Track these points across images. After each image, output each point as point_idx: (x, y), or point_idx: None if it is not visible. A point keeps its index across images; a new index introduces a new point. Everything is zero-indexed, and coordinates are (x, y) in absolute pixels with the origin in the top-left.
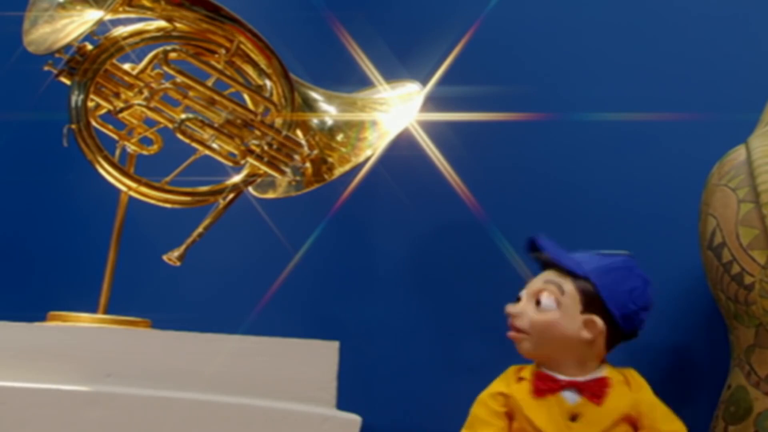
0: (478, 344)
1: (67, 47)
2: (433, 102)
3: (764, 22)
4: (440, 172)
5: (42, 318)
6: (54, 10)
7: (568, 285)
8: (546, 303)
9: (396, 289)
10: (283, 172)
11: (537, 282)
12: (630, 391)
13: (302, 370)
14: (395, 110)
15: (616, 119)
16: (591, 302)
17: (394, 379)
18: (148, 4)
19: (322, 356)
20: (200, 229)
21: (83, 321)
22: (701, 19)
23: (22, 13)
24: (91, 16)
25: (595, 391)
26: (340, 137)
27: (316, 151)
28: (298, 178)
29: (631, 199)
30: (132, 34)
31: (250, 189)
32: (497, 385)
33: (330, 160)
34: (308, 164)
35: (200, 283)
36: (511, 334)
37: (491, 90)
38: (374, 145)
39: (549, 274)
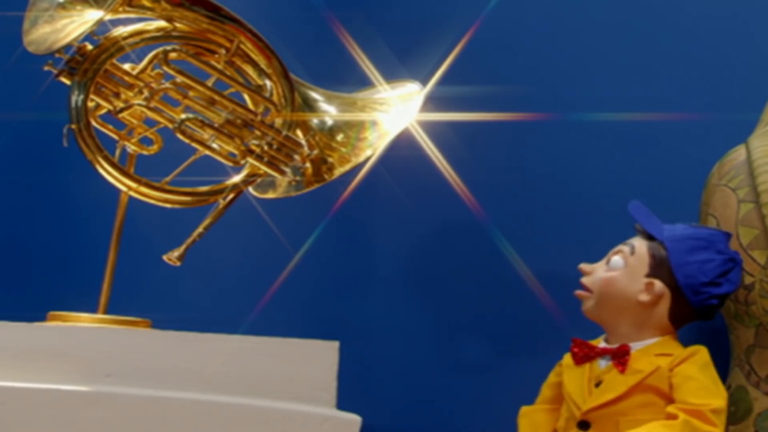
0: (478, 344)
1: (67, 47)
2: (433, 102)
3: (764, 22)
4: (440, 172)
5: (42, 318)
6: (54, 10)
7: (642, 246)
8: (615, 261)
9: (396, 289)
10: (283, 172)
11: (620, 244)
12: (666, 363)
13: (302, 370)
14: (395, 110)
15: (616, 119)
16: (658, 266)
17: (394, 379)
18: (148, 4)
19: (322, 356)
20: (200, 229)
21: (83, 321)
22: (701, 19)
23: (22, 13)
24: (91, 16)
25: (618, 357)
26: (340, 137)
27: (316, 151)
28: (298, 178)
29: (631, 199)
30: (132, 34)
31: (250, 189)
32: (564, 358)
33: (330, 160)
34: (308, 164)
35: (200, 283)
36: (578, 292)
37: (491, 90)
38: (374, 145)
39: (634, 238)
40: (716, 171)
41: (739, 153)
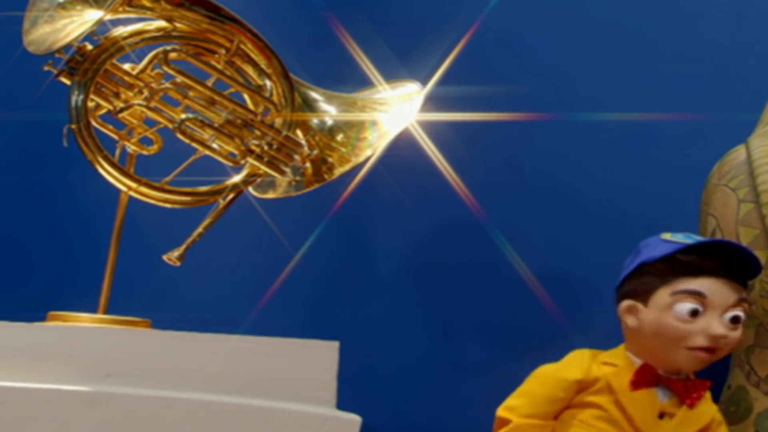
0: (478, 344)
1: (67, 47)
2: (433, 102)
3: (764, 22)
4: (440, 172)
5: (42, 318)
6: (54, 10)
7: (746, 293)
8: (743, 318)
9: (396, 289)
10: (283, 172)
11: (726, 296)
12: (718, 415)
13: (302, 370)
14: (395, 110)
15: (616, 119)
16: None
17: (394, 379)
18: (148, 4)
19: (322, 356)
20: (200, 229)
21: (83, 321)
22: (701, 19)
23: (22, 13)
24: (91, 16)
25: (691, 392)
26: (340, 137)
27: (316, 151)
28: (298, 178)
29: (631, 199)
30: (132, 34)
31: (250, 189)
32: (571, 371)
33: (330, 160)
34: (308, 164)
35: (200, 283)
36: (708, 357)
37: (491, 90)
38: (374, 145)
39: (732, 285)
40: (716, 171)
41: (739, 153)
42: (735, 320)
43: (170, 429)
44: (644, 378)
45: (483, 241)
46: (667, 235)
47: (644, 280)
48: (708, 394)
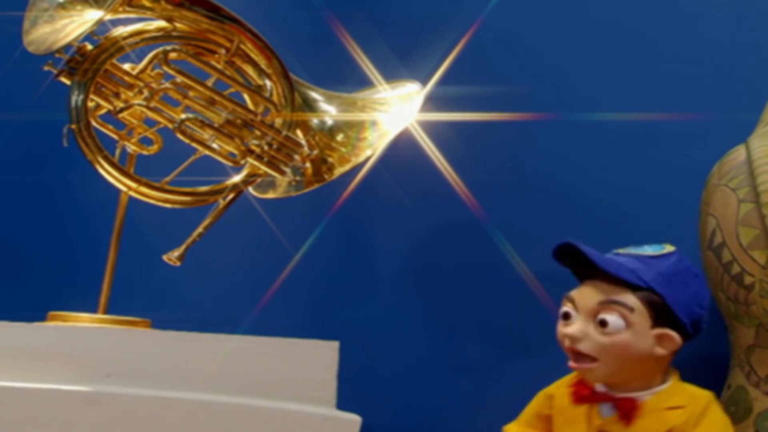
0: (478, 344)
1: (67, 47)
2: (433, 102)
3: (764, 22)
4: (440, 172)
5: (42, 318)
6: (54, 10)
7: (632, 299)
8: (614, 323)
9: (396, 289)
10: (283, 172)
11: (590, 297)
12: (680, 419)
13: (302, 370)
14: (395, 110)
15: (616, 119)
16: (661, 315)
17: (394, 379)
18: (148, 4)
19: (322, 356)
20: (200, 229)
21: (83, 321)
22: (701, 19)
23: (22, 13)
24: (91, 16)
25: (625, 410)
26: (340, 137)
27: (316, 151)
28: (298, 178)
29: (631, 199)
30: (132, 34)
31: (250, 189)
32: (553, 387)
33: (330, 160)
34: (308, 164)
35: (200, 283)
36: (576, 365)
37: (491, 90)
38: (374, 145)
39: (601, 288)
40: (716, 171)
41: (739, 153)
42: (602, 324)
43: (170, 429)
44: (582, 392)
45: (483, 241)
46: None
47: None
48: (675, 411)
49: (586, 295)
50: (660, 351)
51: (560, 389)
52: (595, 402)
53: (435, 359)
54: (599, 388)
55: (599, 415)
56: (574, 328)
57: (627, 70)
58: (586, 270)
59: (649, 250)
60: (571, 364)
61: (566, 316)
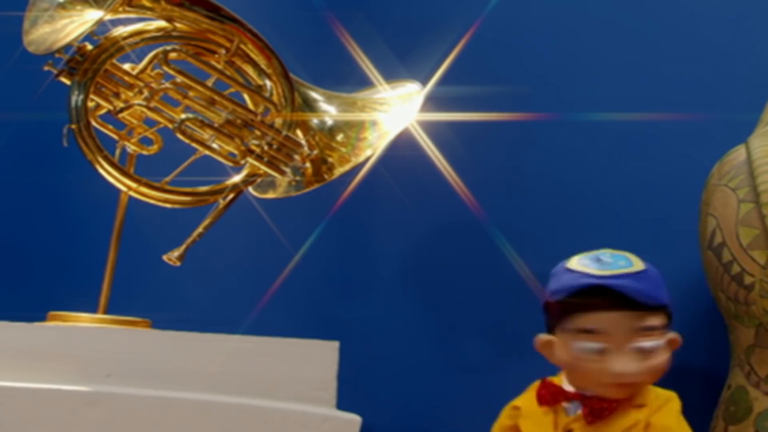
0: (478, 344)
1: (67, 47)
2: (433, 102)
3: (764, 22)
4: (440, 172)
5: (42, 318)
6: (54, 10)
7: (657, 319)
8: (651, 347)
9: (396, 289)
10: (283, 172)
11: (622, 326)
12: (642, 416)
13: (302, 370)
14: (395, 110)
15: (616, 119)
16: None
17: (394, 379)
18: (148, 4)
19: (322, 356)
20: (200, 229)
21: (83, 321)
22: (701, 19)
23: (22, 13)
24: (91, 16)
25: (595, 408)
26: (340, 137)
27: (316, 151)
28: (298, 178)
29: (631, 199)
30: (132, 34)
31: (250, 189)
32: (518, 399)
33: (330, 160)
34: (308, 164)
35: (200, 283)
36: (620, 394)
37: (491, 90)
38: (374, 145)
39: (629, 315)
40: (716, 171)
41: (739, 153)
42: (642, 351)
43: (170, 429)
44: (548, 392)
45: (483, 242)
46: (571, 263)
47: (552, 314)
48: (640, 409)
49: (617, 324)
50: (668, 354)
51: (526, 396)
52: (560, 402)
53: (435, 359)
54: (567, 387)
55: (566, 414)
56: (622, 366)
57: (627, 70)
58: (595, 302)
59: (628, 266)
60: (615, 394)
61: (598, 351)
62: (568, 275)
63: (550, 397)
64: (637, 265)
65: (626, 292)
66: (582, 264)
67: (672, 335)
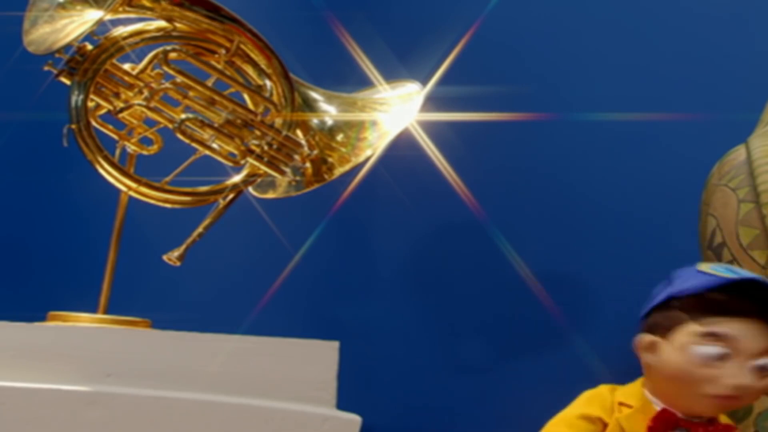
0: (478, 344)
1: (67, 47)
2: (433, 102)
3: (764, 22)
4: (440, 172)
5: (42, 318)
6: (54, 10)
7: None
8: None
9: (396, 289)
10: (283, 172)
11: (757, 341)
12: None
13: (302, 370)
14: (395, 110)
15: (616, 119)
16: None
17: (394, 379)
18: (148, 4)
19: (322, 356)
20: (200, 229)
21: (83, 321)
22: (701, 19)
23: (22, 13)
24: (91, 16)
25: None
26: (340, 137)
27: (316, 151)
28: (298, 178)
29: (631, 199)
30: (132, 34)
31: (250, 189)
32: (590, 407)
33: (330, 160)
34: (308, 164)
35: (200, 283)
36: (730, 404)
37: (491, 90)
38: (374, 145)
39: (762, 329)
40: (716, 171)
41: (739, 153)
42: (763, 369)
43: (170, 429)
44: (661, 425)
45: (483, 242)
46: (704, 266)
47: (671, 315)
48: None
49: (752, 335)
50: None
51: (614, 414)
52: (672, 429)
53: (435, 359)
54: (679, 414)
55: None
56: (743, 378)
57: (627, 70)
58: (739, 306)
59: (746, 274)
60: (713, 409)
61: (721, 358)
62: (703, 276)
63: (662, 427)
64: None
65: None
66: (715, 270)
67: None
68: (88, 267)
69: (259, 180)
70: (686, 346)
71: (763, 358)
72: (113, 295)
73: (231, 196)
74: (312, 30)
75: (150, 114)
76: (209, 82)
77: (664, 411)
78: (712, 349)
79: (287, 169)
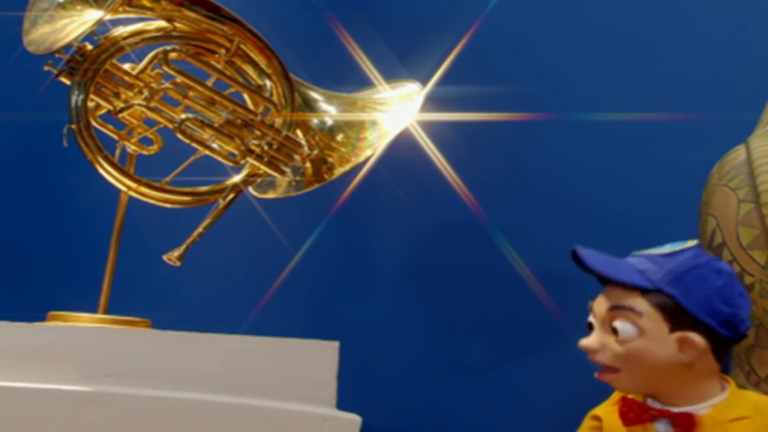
0: (478, 344)
1: (67, 47)
2: (433, 102)
3: (764, 22)
4: (440, 172)
5: (42, 318)
6: (54, 10)
7: (641, 303)
8: (625, 330)
9: (396, 289)
10: (283, 172)
11: (602, 305)
12: (745, 430)
13: (302, 370)
14: (395, 110)
15: (616, 119)
16: (678, 317)
17: (394, 379)
18: (148, 4)
19: (322, 356)
20: (200, 229)
21: (83, 321)
22: (701, 19)
23: (22, 13)
24: (91, 16)
25: (684, 426)
26: (340, 137)
27: (316, 151)
28: (298, 178)
29: (631, 199)
30: (132, 34)
31: (250, 189)
32: (599, 408)
33: (330, 160)
34: (308, 164)
35: (200, 283)
36: (601, 375)
37: (491, 90)
38: (374, 145)
39: (612, 294)
40: (716, 171)
41: (739, 153)
42: (615, 331)
43: (170, 429)
44: (631, 411)
45: (483, 241)
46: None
47: None
48: (739, 422)
49: (599, 303)
50: (684, 357)
51: (608, 408)
52: (648, 421)
53: (435, 359)
54: (651, 403)
55: None
56: (591, 340)
57: (627, 70)
58: (604, 277)
59: (667, 248)
60: (596, 375)
61: (589, 327)
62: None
63: (635, 417)
64: (670, 249)
65: (586, 260)
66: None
67: (683, 335)
68: (88, 267)
69: (259, 180)
70: None
71: (611, 321)
72: (113, 295)
73: (231, 196)
74: (312, 30)
75: (150, 114)
76: (209, 82)
77: (623, 397)
78: (588, 320)
79: (287, 169)
